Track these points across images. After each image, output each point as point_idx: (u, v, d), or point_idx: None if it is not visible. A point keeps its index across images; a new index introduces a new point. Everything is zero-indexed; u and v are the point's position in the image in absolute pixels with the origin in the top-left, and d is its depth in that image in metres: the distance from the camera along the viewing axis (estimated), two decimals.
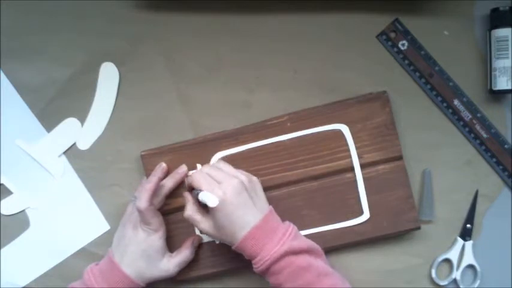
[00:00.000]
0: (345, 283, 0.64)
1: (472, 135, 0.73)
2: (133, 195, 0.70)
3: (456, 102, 0.73)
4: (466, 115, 0.73)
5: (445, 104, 0.73)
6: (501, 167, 0.73)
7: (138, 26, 0.74)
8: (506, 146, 0.72)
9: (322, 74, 0.73)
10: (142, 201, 0.66)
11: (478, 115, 0.73)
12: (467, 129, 0.73)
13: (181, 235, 0.72)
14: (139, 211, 0.66)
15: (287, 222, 0.65)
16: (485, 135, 0.73)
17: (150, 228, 0.67)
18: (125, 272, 0.66)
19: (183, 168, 0.71)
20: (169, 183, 0.70)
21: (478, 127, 0.73)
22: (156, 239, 0.68)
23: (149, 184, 0.67)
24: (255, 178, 0.66)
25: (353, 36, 0.73)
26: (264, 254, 0.61)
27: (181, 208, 0.69)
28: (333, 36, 0.73)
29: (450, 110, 0.73)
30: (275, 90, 0.74)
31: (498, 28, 0.69)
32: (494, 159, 0.73)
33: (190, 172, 0.71)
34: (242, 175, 0.64)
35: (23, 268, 0.75)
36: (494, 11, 0.70)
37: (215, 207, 0.61)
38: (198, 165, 0.72)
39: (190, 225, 0.71)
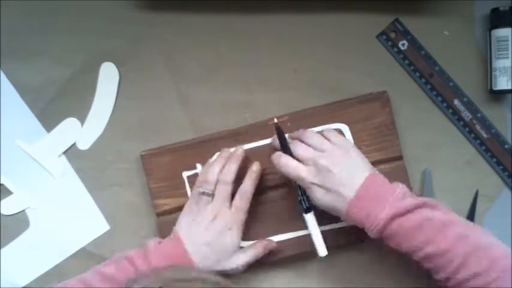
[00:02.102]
0: (475, 229, 0.60)
1: (472, 135, 0.73)
2: (199, 189, 0.67)
3: (456, 102, 0.73)
4: (466, 115, 0.73)
5: (445, 104, 0.73)
6: (501, 167, 0.73)
7: (138, 26, 0.74)
8: (506, 146, 0.72)
9: (322, 74, 0.73)
10: (248, 186, 0.66)
11: (478, 115, 0.73)
12: (467, 129, 0.73)
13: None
14: (243, 199, 0.66)
15: (395, 183, 0.62)
16: (485, 135, 0.73)
17: (238, 218, 0.66)
18: (194, 261, 0.64)
19: (257, 166, 0.69)
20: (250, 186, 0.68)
21: (478, 127, 0.73)
22: (234, 234, 0.66)
23: (252, 184, 0.67)
24: (351, 146, 0.65)
25: (353, 36, 0.73)
26: (371, 222, 0.59)
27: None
28: (333, 36, 0.73)
29: (450, 110, 0.73)
30: (275, 90, 0.74)
31: (498, 28, 0.69)
32: (494, 159, 0.73)
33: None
34: (335, 148, 0.63)
35: (23, 268, 0.75)
36: (494, 11, 0.70)
37: (308, 188, 0.62)
38: (198, 165, 0.72)
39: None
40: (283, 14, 0.73)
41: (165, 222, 0.71)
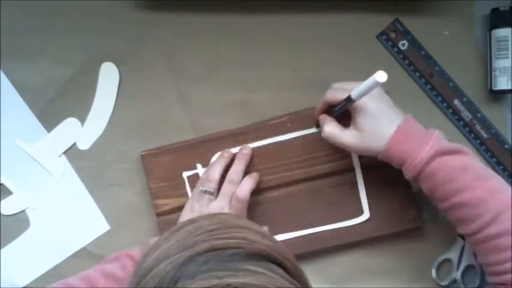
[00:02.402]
0: (509, 188, 0.58)
1: (472, 135, 0.73)
2: (201, 188, 0.67)
3: (456, 102, 0.73)
4: (466, 115, 0.73)
5: (445, 104, 0.73)
6: (501, 167, 0.73)
7: (138, 26, 0.74)
8: (506, 146, 0.72)
9: (322, 74, 0.73)
10: (246, 190, 0.64)
11: (478, 115, 0.73)
12: (467, 129, 0.73)
13: None
14: (240, 201, 0.64)
15: (431, 128, 0.61)
16: (485, 135, 0.73)
17: None
18: None
19: (247, 149, 0.69)
20: (241, 167, 0.68)
21: (478, 127, 0.73)
22: None
23: (252, 178, 0.66)
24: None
25: (353, 36, 0.73)
26: (413, 158, 0.58)
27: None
28: (333, 36, 0.73)
29: (450, 110, 0.73)
30: (275, 90, 0.74)
31: (498, 28, 0.69)
32: (494, 159, 0.73)
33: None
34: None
35: (23, 268, 0.75)
36: (494, 11, 0.70)
37: (360, 110, 0.60)
38: (198, 165, 0.72)
39: None
40: (283, 14, 0.73)
41: (165, 222, 0.71)
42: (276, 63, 0.74)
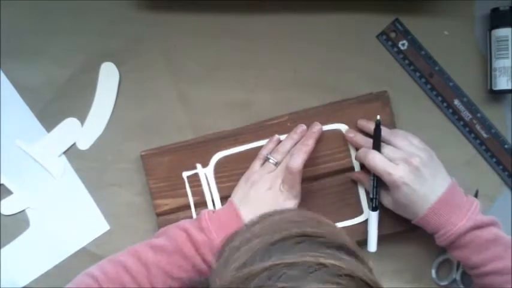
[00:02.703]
0: None
1: (472, 135, 0.73)
2: (264, 155, 0.68)
3: (456, 102, 0.73)
4: (466, 115, 0.73)
5: (445, 104, 0.73)
6: (501, 166, 0.73)
7: (138, 26, 0.74)
8: (506, 146, 0.72)
9: (322, 74, 0.73)
10: (299, 161, 0.64)
11: (478, 115, 0.73)
12: (467, 129, 0.73)
13: None
14: (292, 172, 0.64)
15: (470, 197, 0.64)
16: (485, 135, 0.73)
17: (291, 193, 0.65)
18: None
19: (318, 126, 0.69)
20: (311, 142, 0.68)
21: (478, 127, 0.73)
22: (292, 206, 0.66)
23: (308, 147, 0.66)
24: (433, 152, 0.65)
25: (353, 36, 0.73)
26: (448, 229, 0.60)
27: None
28: (333, 36, 0.73)
29: (450, 110, 0.73)
30: (275, 90, 0.74)
31: (498, 28, 0.69)
32: (494, 159, 0.73)
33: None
34: (421, 152, 0.63)
35: (23, 268, 0.75)
36: (494, 11, 0.70)
37: (395, 186, 0.62)
38: (198, 165, 0.72)
39: None
40: (283, 14, 0.73)
41: (165, 222, 0.71)
42: (276, 63, 0.74)
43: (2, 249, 0.75)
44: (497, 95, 0.72)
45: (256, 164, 0.69)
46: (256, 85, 0.74)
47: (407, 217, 0.65)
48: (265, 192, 0.66)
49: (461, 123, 0.73)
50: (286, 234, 0.42)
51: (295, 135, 0.69)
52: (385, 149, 0.65)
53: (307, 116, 0.71)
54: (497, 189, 0.73)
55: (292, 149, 0.68)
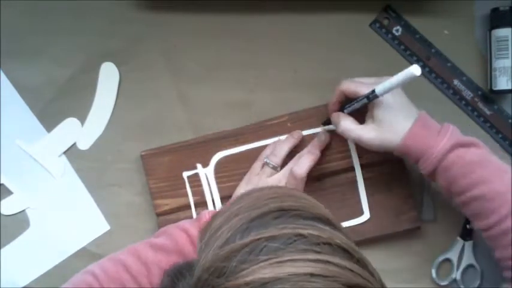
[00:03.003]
0: None
1: (475, 113, 0.72)
2: (265, 160, 0.68)
3: (456, 82, 0.72)
4: (468, 94, 0.72)
5: (445, 85, 0.72)
6: (507, 142, 0.72)
7: (138, 26, 0.74)
8: (510, 120, 0.72)
9: (322, 74, 0.73)
10: (304, 168, 0.65)
11: (479, 92, 0.72)
12: (469, 107, 0.72)
13: None
14: (296, 177, 0.65)
15: (446, 123, 0.62)
16: (488, 112, 0.72)
17: None
18: None
19: (298, 133, 0.70)
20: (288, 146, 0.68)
21: (480, 105, 0.72)
22: None
23: (315, 156, 0.66)
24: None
25: (353, 35, 0.73)
26: (431, 151, 0.59)
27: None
28: (333, 36, 0.73)
29: (451, 91, 0.72)
30: (275, 90, 0.74)
31: (498, 28, 0.69)
32: (499, 135, 0.72)
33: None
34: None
35: (23, 268, 0.75)
36: (494, 11, 0.70)
37: (377, 104, 0.60)
38: (198, 165, 0.72)
39: None
40: (283, 14, 0.73)
41: (165, 222, 0.71)
42: (276, 63, 0.74)
43: (2, 249, 0.75)
44: (497, 95, 0.72)
45: (257, 166, 0.69)
46: (256, 85, 0.74)
47: (389, 149, 0.62)
48: None
49: (463, 102, 0.73)
50: (264, 210, 0.43)
51: (292, 139, 0.69)
52: (359, 79, 0.65)
53: (307, 116, 0.71)
54: None
55: (300, 153, 0.68)
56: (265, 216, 0.42)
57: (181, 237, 0.63)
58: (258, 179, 0.67)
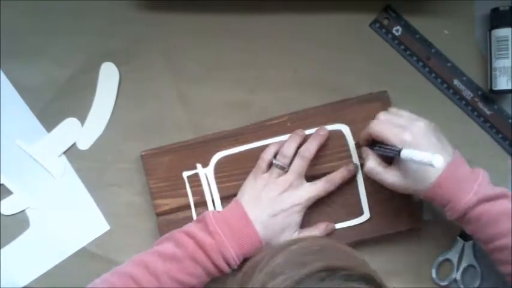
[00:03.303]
0: None
1: (475, 113, 0.72)
2: (270, 160, 0.68)
3: (456, 82, 0.72)
4: (468, 94, 0.72)
5: (445, 85, 0.72)
6: (507, 142, 0.72)
7: (138, 26, 0.74)
8: (510, 120, 0.72)
9: (322, 74, 0.73)
10: (312, 148, 0.66)
11: (479, 92, 0.72)
12: (469, 107, 0.72)
13: None
14: (304, 158, 0.66)
15: (477, 168, 0.61)
16: (488, 112, 0.72)
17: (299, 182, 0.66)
18: (258, 232, 0.64)
19: (326, 130, 0.70)
20: (313, 145, 0.68)
21: (480, 105, 0.72)
22: (298, 210, 0.66)
23: (322, 137, 0.68)
24: (433, 123, 0.62)
25: (353, 35, 0.73)
26: (456, 203, 0.58)
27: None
28: (333, 36, 0.73)
29: (451, 91, 0.72)
30: (275, 90, 0.74)
31: (498, 28, 0.69)
32: (500, 135, 0.72)
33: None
34: (423, 119, 0.62)
35: (23, 268, 0.75)
36: (494, 11, 0.70)
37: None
38: (198, 165, 0.72)
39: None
40: (283, 14, 0.73)
41: (165, 222, 0.71)
42: (276, 63, 0.74)
43: (2, 249, 0.75)
44: (497, 95, 0.72)
45: (263, 164, 0.68)
46: (256, 85, 0.74)
47: (415, 194, 0.62)
48: (279, 195, 0.66)
49: (463, 102, 0.72)
50: (310, 270, 0.41)
51: (298, 137, 0.69)
52: (391, 117, 0.63)
53: (307, 116, 0.71)
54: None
55: (301, 150, 0.68)
56: (310, 277, 0.41)
57: (190, 244, 0.63)
58: (268, 178, 0.67)
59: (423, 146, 0.59)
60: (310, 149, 0.68)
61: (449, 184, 0.59)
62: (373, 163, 0.63)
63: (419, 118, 0.62)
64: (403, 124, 0.61)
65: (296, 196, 0.66)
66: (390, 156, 0.62)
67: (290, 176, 0.67)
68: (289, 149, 0.68)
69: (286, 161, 0.67)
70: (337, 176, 0.69)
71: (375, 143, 0.65)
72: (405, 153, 0.58)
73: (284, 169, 0.67)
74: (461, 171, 0.60)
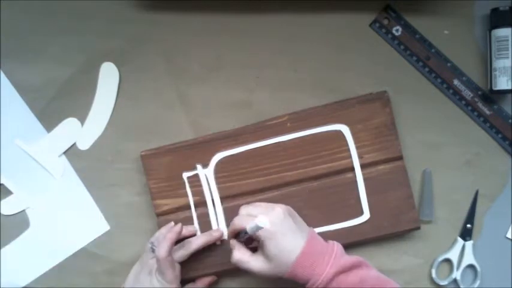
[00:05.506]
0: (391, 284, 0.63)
1: (475, 113, 0.72)
2: (150, 241, 0.69)
3: (456, 82, 0.72)
4: (467, 94, 0.72)
5: (445, 85, 0.72)
6: (507, 142, 0.72)
7: (138, 26, 0.74)
8: (510, 120, 0.72)
9: (322, 74, 0.73)
10: (162, 250, 0.65)
11: (479, 92, 0.72)
12: (469, 107, 0.72)
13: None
14: (157, 259, 0.65)
15: (331, 242, 0.64)
16: (488, 112, 0.72)
17: (164, 279, 0.65)
18: None
19: (219, 232, 0.71)
20: (199, 241, 0.70)
21: (480, 104, 0.72)
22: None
23: (170, 234, 0.66)
24: (289, 206, 0.65)
25: (353, 35, 0.73)
26: (315, 279, 0.61)
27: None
28: (332, 36, 0.73)
29: (451, 91, 0.72)
30: (275, 90, 0.74)
31: (498, 28, 0.69)
32: (500, 135, 0.72)
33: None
34: (279, 205, 0.64)
35: (23, 268, 0.75)
36: (494, 11, 0.70)
37: (264, 238, 0.61)
38: (198, 166, 0.72)
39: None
40: (283, 14, 0.73)
41: (165, 222, 0.72)
42: (276, 63, 0.74)
43: (2, 249, 0.75)
44: (497, 95, 0.72)
45: (146, 247, 0.69)
46: (256, 85, 0.74)
47: (279, 273, 0.63)
48: (146, 278, 0.66)
49: (463, 102, 0.73)
50: None
51: (177, 227, 0.68)
52: (249, 209, 0.66)
53: (307, 116, 0.71)
54: (497, 189, 0.73)
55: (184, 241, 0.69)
56: None
57: None
58: (144, 262, 0.68)
59: (283, 229, 0.62)
60: (172, 230, 0.67)
61: (307, 262, 0.61)
62: (238, 254, 0.65)
63: (276, 205, 0.64)
64: (261, 212, 0.63)
65: (160, 279, 0.66)
66: (251, 240, 0.64)
67: (155, 259, 0.66)
68: (161, 233, 0.69)
69: (157, 243, 0.67)
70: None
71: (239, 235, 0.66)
72: (249, 229, 0.62)
73: (154, 252, 0.67)
74: (317, 248, 0.62)
